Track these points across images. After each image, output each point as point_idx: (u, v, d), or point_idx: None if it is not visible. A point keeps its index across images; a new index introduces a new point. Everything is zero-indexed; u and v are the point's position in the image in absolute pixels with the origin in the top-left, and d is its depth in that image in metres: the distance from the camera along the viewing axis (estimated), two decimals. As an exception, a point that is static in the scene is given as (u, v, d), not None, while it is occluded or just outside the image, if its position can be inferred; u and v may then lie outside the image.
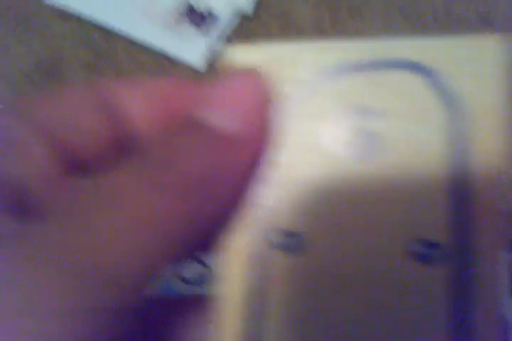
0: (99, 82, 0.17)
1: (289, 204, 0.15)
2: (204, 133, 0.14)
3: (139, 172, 0.13)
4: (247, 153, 0.14)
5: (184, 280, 0.32)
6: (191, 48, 0.47)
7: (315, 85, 0.15)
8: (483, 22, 0.46)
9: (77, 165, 0.16)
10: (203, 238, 0.14)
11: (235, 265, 0.15)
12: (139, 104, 0.17)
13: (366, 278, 0.14)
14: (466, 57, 0.14)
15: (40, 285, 0.12)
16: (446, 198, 0.14)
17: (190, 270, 0.32)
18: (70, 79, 0.44)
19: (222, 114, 0.14)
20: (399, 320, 0.14)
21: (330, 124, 0.15)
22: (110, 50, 0.45)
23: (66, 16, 0.45)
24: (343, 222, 0.15)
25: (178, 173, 0.13)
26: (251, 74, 0.15)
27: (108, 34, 0.45)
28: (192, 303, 0.18)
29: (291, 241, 0.15)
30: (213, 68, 0.46)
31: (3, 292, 0.12)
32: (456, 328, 0.14)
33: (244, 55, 0.15)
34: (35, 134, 0.15)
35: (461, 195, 0.14)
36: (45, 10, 0.45)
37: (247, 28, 0.46)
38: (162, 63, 0.46)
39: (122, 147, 0.17)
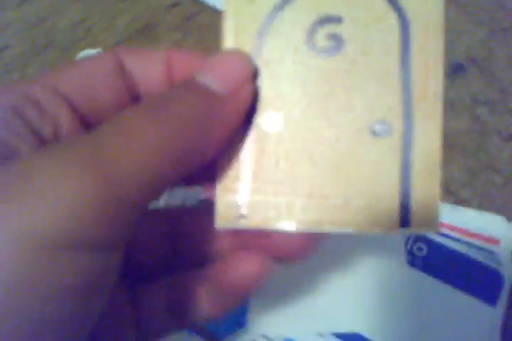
0: (117, 50, 0.21)
1: (270, 92, 0.19)
2: (198, 89, 0.18)
3: (143, 110, 0.17)
4: (229, 106, 0.18)
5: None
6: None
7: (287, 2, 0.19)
8: None
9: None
10: (193, 164, 0.18)
11: (233, 144, 0.20)
12: (149, 68, 0.21)
13: (336, 150, 0.19)
14: None
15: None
16: (397, 88, 0.19)
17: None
18: (162, 40, 0.49)
19: (214, 78, 0.18)
20: (359, 183, 0.18)
21: (302, 28, 0.19)
22: (197, 16, 0.49)
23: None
24: (312, 104, 0.19)
25: (174, 113, 0.17)
26: (239, 54, 0.19)
27: (197, 3, 0.50)
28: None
29: (272, 121, 0.19)
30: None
31: None
32: (403, 188, 0.18)
33: None
34: (55, 97, 0.19)
35: (406, 86, 0.18)
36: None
37: None
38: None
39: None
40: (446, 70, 0.51)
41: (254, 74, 0.19)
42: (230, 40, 0.19)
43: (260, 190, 0.19)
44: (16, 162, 0.15)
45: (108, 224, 0.15)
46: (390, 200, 0.18)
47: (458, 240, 0.41)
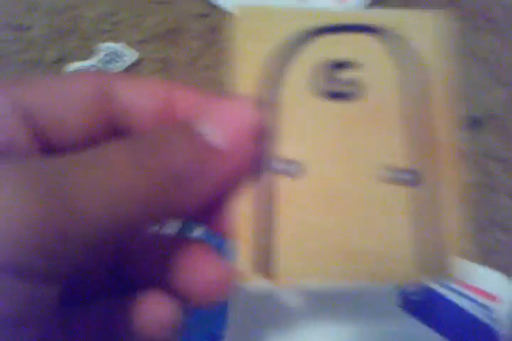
0: (103, 75, 0.19)
1: (290, 137, 0.18)
2: (195, 139, 0.16)
3: (129, 149, 0.15)
4: (229, 162, 0.17)
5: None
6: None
7: (304, 40, 0.18)
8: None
9: (60, 147, 0.18)
10: (170, 217, 0.17)
11: (249, 190, 0.18)
12: (138, 98, 0.18)
13: (356, 199, 0.18)
14: (419, 26, 0.19)
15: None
16: (408, 134, 0.18)
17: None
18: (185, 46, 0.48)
19: (215, 128, 0.16)
20: (379, 232, 0.18)
21: (319, 72, 0.18)
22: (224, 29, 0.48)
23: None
24: (331, 150, 0.18)
25: (162, 162, 0.15)
26: (247, 100, 0.18)
27: (226, 15, 0.49)
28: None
29: (295, 167, 0.18)
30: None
31: None
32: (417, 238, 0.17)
33: (243, 12, 0.18)
34: (15, 109, 0.17)
35: (427, 134, 0.18)
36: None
37: None
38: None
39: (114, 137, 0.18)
40: (463, 122, 0.51)
41: (263, 125, 0.18)
42: (238, 81, 0.18)
43: (284, 244, 0.18)
44: None
45: (45, 256, 0.13)
46: (405, 248, 0.18)
47: (455, 290, 0.39)
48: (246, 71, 0.18)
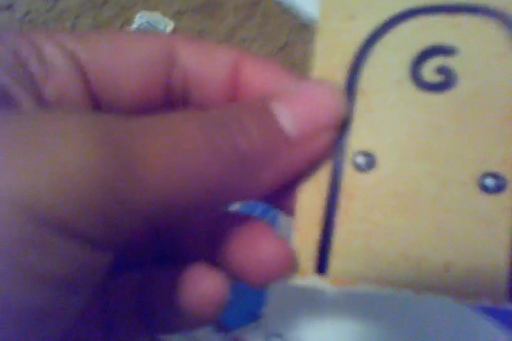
0: (175, 37, 0.18)
1: (365, 126, 0.16)
2: (267, 123, 0.15)
3: (199, 123, 0.14)
4: (298, 152, 0.15)
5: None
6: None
7: (396, 20, 0.16)
8: None
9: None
10: (228, 202, 0.16)
11: (316, 180, 0.17)
12: (211, 68, 0.17)
13: (435, 203, 0.16)
14: None
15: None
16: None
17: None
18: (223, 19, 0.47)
19: (290, 114, 0.15)
20: (465, 247, 0.16)
21: (408, 57, 0.16)
22: (264, 2, 0.47)
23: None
24: (413, 146, 0.16)
25: (234, 144, 0.14)
26: (331, 88, 0.16)
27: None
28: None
29: (365, 160, 0.16)
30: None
31: None
32: None
33: None
34: (71, 62, 0.16)
35: None
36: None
37: None
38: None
39: (174, 102, 0.18)
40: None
41: (343, 116, 0.16)
42: (320, 63, 0.17)
43: (344, 242, 0.16)
44: (23, 116, 0.13)
45: (103, 221, 0.12)
46: (497, 266, 0.15)
47: None
48: (328, 52, 0.16)
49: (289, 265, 0.16)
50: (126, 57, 0.16)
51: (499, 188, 0.16)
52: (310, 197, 0.17)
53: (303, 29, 0.46)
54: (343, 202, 0.16)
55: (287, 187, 0.17)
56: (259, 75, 0.17)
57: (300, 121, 0.15)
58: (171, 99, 0.17)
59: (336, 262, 0.16)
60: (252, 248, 0.16)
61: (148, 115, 0.14)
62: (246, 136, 0.15)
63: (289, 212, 0.17)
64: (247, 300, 0.32)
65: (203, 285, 0.17)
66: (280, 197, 0.17)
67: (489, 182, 0.16)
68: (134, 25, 0.45)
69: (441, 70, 0.16)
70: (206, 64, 0.17)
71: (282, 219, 0.33)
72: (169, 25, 0.46)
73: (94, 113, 0.14)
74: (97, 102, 0.16)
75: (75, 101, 0.15)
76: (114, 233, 0.13)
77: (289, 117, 0.15)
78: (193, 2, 0.46)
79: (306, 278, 0.16)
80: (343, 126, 0.16)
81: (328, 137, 0.16)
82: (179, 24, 0.46)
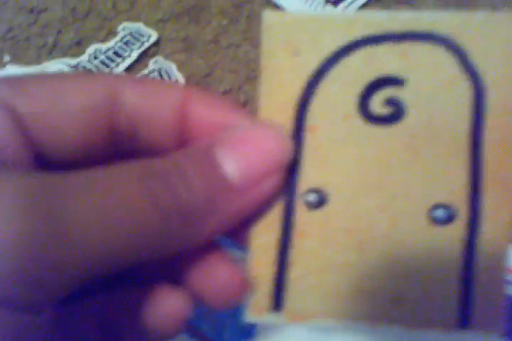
0: (115, 78, 0.17)
1: (314, 164, 0.16)
2: (210, 171, 0.15)
3: (141, 178, 0.14)
4: (244, 198, 0.15)
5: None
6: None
7: (342, 53, 0.16)
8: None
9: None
10: (170, 253, 0.15)
11: (267, 220, 0.16)
12: (149, 105, 0.17)
13: (387, 237, 0.16)
14: (495, 33, 0.15)
15: None
16: (464, 167, 0.15)
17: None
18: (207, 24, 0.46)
19: (234, 161, 0.15)
20: (417, 278, 0.16)
21: (355, 90, 0.16)
22: (248, 4, 0.47)
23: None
24: (363, 181, 0.16)
25: (176, 198, 0.14)
26: (276, 131, 0.16)
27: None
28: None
29: (316, 198, 0.16)
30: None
31: None
32: (466, 284, 0.16)
33: (274, 19, 0.16)
34: (7, 116, 0.15)
35: (475, 166, 0.16)
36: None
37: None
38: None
39: (119, 148, 0.17)
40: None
41: (290, 159, 0.16)
42: (267, 102, 0.16)
43: (298, 279, 0.16)
44: None
45: (34, 287, 0.12)
46: (448, 296, 0.16)
47: None
48: (275, 90, 0.16)
49: (243, 291, 0.17)
50: (66, 103, 0.16)
51: (449, 219, 0.16)
52: (263, 237, 0.16)
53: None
54: (296, 241, 0.16)
55: (242, 224, 0.17)
56: (208, 113, 0.17)
57: (244, 168, 0.15)
58: (118, 143, 0.17)
59: (292, 299, 0.16)
60: (209, 274, 0.17)
61: (88, 167, 0.14)
62: (187, 187, 0.14)
63: (246, 244, 0.17)
64: (241, 317, 0.32)
65: (165, 306, 0.17)
66: (235, 231, 0.17)
67: (439, 213, 0.16)
68: (117, 38, 0.45)
69: (390, 102, 0.16)
70: (152, 105, 0.17)
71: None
72: (152, 36, 0.45)
73: (27, 173, 0.13)
74: (40, 153, 0.16)
75: (17, 154, 0.15)
76: (48, 295, 0.13)
77: (232, 164, 0.15)
78: (175, 9, 0.46)
79: (263, 315, 0.16)
80: (291, 166, 0.16)
81: (274, 181, 0.16)
82: (163, 33, 0.45)
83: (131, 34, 0.45)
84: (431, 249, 0.16)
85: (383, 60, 0.16)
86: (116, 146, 0.17)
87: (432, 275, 0.16)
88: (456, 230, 0.16)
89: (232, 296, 0.17)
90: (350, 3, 0.45)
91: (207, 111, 0.17)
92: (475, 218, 0.16)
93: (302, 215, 0.16)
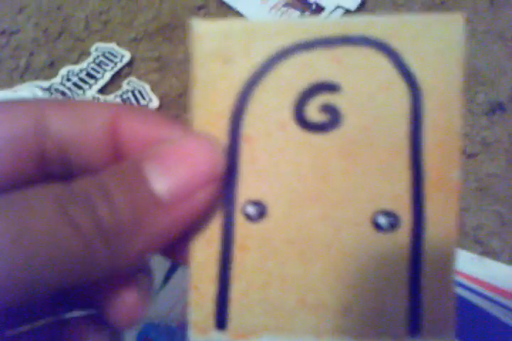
0: (38, 101, 0.17)
1: (252, 175, 0.16)
2: (139, 187, 0.14)
3: (58, 197, 0.13)
4: (170, 217, 0.15)
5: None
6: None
7: (274, 61, 0.16)
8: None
9: None
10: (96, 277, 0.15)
11: (207, 235, 0.16)
12: (84, 130, 0.16)
13: (330, 247, 0.15)
14: (429, 35, 0.15)
15: None
16: (405, 172, 0.15)
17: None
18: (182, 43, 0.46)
19: (161, 175, 0.14)
20: (364, 288, 0.15)
21: (290, 98, 0.16)
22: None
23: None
24: (302, 190, 0.16)
25: (93, 218, 0.13)
26: (208, 143, 0.15)
27: (223, 7, 0.47)
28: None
29: (255, 210, 0.16)
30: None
31: None
32: (414, 292, 0.15)
33: (203, 28, 0.16)
34: None
35: (417, 170, 0.15)
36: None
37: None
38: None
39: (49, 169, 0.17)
40: (484, 109, 0.48)
41: (222, 171, 0.15)
42: (200, 113, 0.16)
43: (242, 295, 0.16)
44: None
45: None
46: (397, 305, 0.15)
47: (482, 295, 0.37)
48: (207, 100, 0.16)
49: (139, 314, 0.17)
50: None
51: (393, 226, 0.15)
52: (203, 252, 0.16)
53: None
54: (237, 255, 0.16)
55: (178, 241, 0.16)
56: (141, 129, 0.16)
57: (173, 182, 0.14)
58: (51, 168, 0.16)
59: (236, 316, 0.16)
60: (115, 302, 0.17)
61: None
62: (109, 207, 0.14)
63: (185, 263, 0.17)
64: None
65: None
66: (172, 249, 0.17)
67: (383, 220, 0.15)
68: (90, 58, 0.45)
69: (326, 109, 0.15)
70: (80, 128, 0.16)
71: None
72: (126, 56, 0.45)
73: None
74: None
75: None
76: None
77: (161, 178, 0.14)
78: (148, 28, 0.46)
79: (207, 335, 0.16)
80: (227, 179, 0.16)
81: (207, 195, 0.15)
82: (136, 52, 0.45)
83: (104, 55, 0.45)
84: (376, 257, 0.15)
85: (317, 66, 0.15)
86: (50, 171, 0.16)
87: (379, 284, 0.15)
88: (401, 237, 0.15)
89: (134, 319, 0.17)
90: (329, 14, 0.46)
91: (139, 127, 0.16)
92: (419, 224, 0.15)
93: (242, 228, 0.16)
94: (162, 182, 0.14)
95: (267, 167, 0.16)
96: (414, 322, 0.15)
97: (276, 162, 0.16)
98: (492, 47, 0.46)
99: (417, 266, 0.15)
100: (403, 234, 0.15)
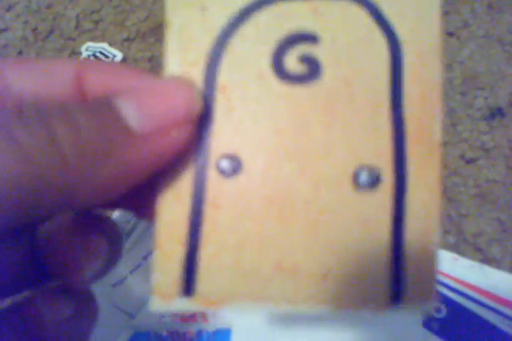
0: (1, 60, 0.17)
1: (227, 127, 0.15)
2: (107, 114, 0.14)
3: (32, 119, 0.13)
4: (143, 149, 0.14)
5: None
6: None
7: (252, 9, 0.15)
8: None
9: None
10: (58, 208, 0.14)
11: (177, 190, 0.15)
12: (37, 84, 0.16)
13: (308, 205, 0.15)
14: None
15: None
16: (386, 126, 0.15)
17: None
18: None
19: (137, 109, 0.14)
20: (344, 251, 0.15)
21: (268, 47, 0.15)
22: None
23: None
24: (280, 144, 0.15)
25: (49, 133, 0.13)
26: (183, 83, 0.15)
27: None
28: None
29: (230, 165, 0.15)
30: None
31: None
32: (396, 255, 0.15)
33: None
34: None
35: (398, 124, 0.15)
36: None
37: None
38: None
39: None
40: (483, 114, 0.48)
41: (196, 112, 0.15)
42: (173, 61, 0.15)
43: (212, 257, 0.15)
44: None
45: None
46: (379, 270, 0.15)
47: (482, 304, 0.36)
48: (181, 48, 0.15)
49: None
50: None
51: (375, 182, 0.15)
52: (171, 209, 0.15)
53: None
54: (209, 213, 0.15)
55: (146, 193, 0.16)
56: (109, 81, 0.16)
57: (147, 115, 0.14)
58: None
59: (204, 281, 0.15)
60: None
61: None
62: (71, 131, 0.13)
63: (151, 220, 0.16)
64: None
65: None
66: (140, 203, 0.16)
67: (364, 177, 0.15)
68: (81, 58, 0.45)
69: (305, 59, 0.15)
70: (44, 83, 0.16)
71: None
72: (117, 56, 0.45)
73: None
74: None
75: None
76: None
77: (134, 111, 0.14)
78: (141, 28, 0.46)
79: (172, 302, 0.15)
80: (201, 129, 0.15)
81: (180, 134, 0.14)
82: (128, 53, 0.45)
83: (95, 55, 0.45)
84: (357, 216, 0.15)
85: (295, 16, 0.15)
86: None
87: (360, 247, 0.15)
88: (383, 194, 0.15)
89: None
90: None
91: (107, 79, 0.16)
92: (401, 180, 0.15)
93: (216, 184, 0.15)
94: (134, 113, 0.14)
95: (243, 118, 0.15)
96: (397, 288, 0.14)
97: (252, 113, 0.15)
98: (491, 51, 0.46)
99: (400, 226, 0.15)
100: (385, 192, 0.15)
